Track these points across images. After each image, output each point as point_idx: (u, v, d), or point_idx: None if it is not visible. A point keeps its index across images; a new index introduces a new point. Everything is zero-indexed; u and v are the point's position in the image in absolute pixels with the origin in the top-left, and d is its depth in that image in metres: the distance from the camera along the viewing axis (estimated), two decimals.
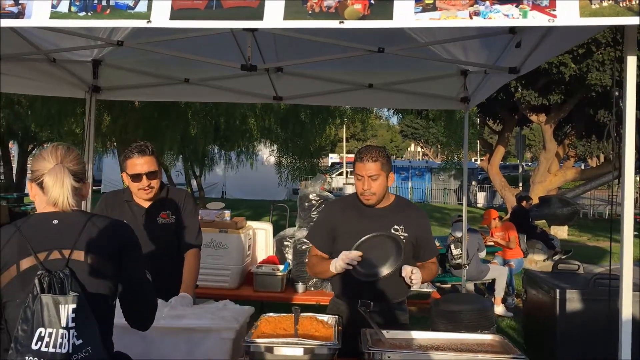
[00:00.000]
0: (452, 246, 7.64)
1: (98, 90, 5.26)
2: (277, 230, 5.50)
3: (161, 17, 2.13)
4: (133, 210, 3.35)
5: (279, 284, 4.62)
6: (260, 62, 4.43)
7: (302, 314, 2.78)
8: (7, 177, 19.75)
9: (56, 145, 2.12)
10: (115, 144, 11.14)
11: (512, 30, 3.63)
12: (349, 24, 2.09)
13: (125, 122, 8.95)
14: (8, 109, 11.08)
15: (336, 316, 2.81)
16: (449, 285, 8.40)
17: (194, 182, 17.80)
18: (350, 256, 2.83)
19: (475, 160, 41.13)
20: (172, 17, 2.13)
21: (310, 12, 2.10)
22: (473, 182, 28.36)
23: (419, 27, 4.04)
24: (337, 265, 2.88)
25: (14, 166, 20.32)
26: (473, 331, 2.69)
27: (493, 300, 7.59)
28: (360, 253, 2.84)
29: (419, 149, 62.37)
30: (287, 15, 2.10)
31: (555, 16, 2.05)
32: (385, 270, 2.87)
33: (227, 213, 4.84)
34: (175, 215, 3.37)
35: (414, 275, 2.84)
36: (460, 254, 6.59)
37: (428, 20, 2.09)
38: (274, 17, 2.10)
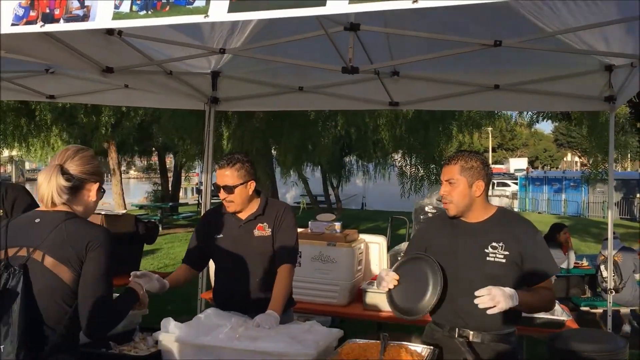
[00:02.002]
0: (602, 267, 6.75)
1: (217, 101, 5.33)
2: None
3: (219, 11, 1.96)
4: (231, 223, 3.25)
5: None
6: (368, 65, 4.16)
7: (391, 342, 2.46)
8: (164, 188, 21.37)
9: (68, 147, 2.22)
10: None
11: None
12: (424, 3, 1.75)
13: (242, 132, 9.19)
14: (156, 124, 11.97)
15: (430, 347, 2.45)
16: (599, 311, 7.43)
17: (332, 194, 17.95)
18: (385, 277, 2.53)
19: None
20: (231, 10, 1.95)
21: None
22: (638, 195, 25.58)
23: (543, 12, 3.57)
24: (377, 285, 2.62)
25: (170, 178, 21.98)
26: None
27: None
28: (396, 276, 2.50)
29: (577, 158, 58.01)
30: None
31: None
32: (419, 309, 2.51)
33: (338, 225, 4.61)
34: (271, 228, 3.22)
35: (483, 297, 2.35)
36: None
37: None
38: (339, 2, 1.83)
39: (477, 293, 2.36)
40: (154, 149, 20.21)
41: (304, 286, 4.35)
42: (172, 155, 21.82)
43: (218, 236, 3.25)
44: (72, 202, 2.16)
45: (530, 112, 12.26)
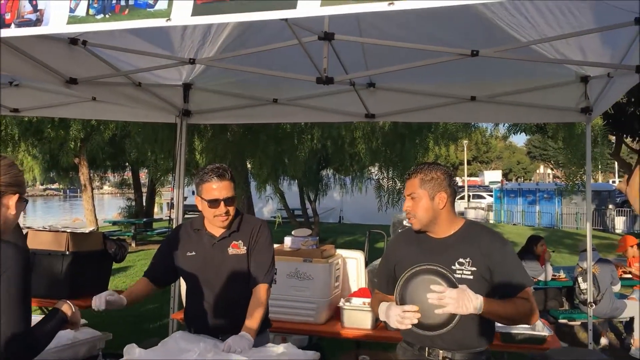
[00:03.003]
0: (580, 279, 6.72)
1: (188, 114, 5.19)
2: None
3: (182, 14, 1.83)
4: (203, 240, 3.07)
5: (369, 320, 4.15)
6: (343, 75, 4.07)
7: None
8: (138, 204, 20.98)
9: None
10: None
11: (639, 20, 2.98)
12: (401, 4, 1.65)
13: (215, 145, 9.05)
14: (128, 138, 11.73)
15: None
16: (577, 323, 7.40)
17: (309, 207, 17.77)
18: (405, 315, 2.36)
19: (613, 182, 37.98)
20: (195, 13, 1.82)
21: None
22: (610, 206, 25.97)
23: (519, 23, 3.52)
24: (391, 323, 2.43)
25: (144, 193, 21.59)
26: None
27: (632, 341, 6.54)
28: (416, 308, 2.35)
29: (549, 170, 58.84)
30: (327, 1, 1.71)
31: None
32: (448, 318, 2.35)
33: (314, 241, 4.48)
34: (246, 246, 3.06)
35: (433, 294, 2.29)
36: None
37: None
38: (309, 4, 1.72)
39: (432, 287, 2.31)
40: (127, 163, 19.85)
41: (280, 304, 4.19)
42: (146, 170, 21.46)
43: (189, 254, 3.08)
44: None
45: (505, 124, 12.33)
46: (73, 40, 3.70)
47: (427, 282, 2.39)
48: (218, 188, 2.95)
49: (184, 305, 3.35)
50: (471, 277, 2.43)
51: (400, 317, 2.37)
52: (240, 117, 5.54)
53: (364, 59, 4.42)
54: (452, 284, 2.35)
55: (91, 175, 16.58)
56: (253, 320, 2.85)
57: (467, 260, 2.45)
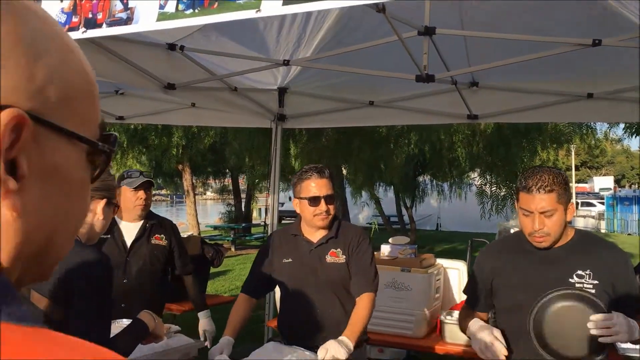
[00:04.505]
0: None
1: (283, 118, 5.13)
2: None
3: (272, 5, 1.70)
4: (300, 246, 2.95)
5: None
6: (444, 73, 3.82)
7: None
8: (237, 209, 21.54)
9: None
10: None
11: None
12: None
13: (310, 150, 8.98)
14: (227, 145, 12.01)
15: None
16: None
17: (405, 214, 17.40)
18: (492, 347, 2.16)
19: None
20: (286, 2, 1.69)
21: None
22: None
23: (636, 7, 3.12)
24: (472, 345, 2.24)
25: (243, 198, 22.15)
26: None
27: None
28: (505, 352, 2.13)
29: None
30: None
31: None
32: (598, 348, 2.07)
33: (413, 249, 4.24)
34: (345, 254, 2.90)
35: (600, 322, 2.00)
36: None
37: None
38: None
39: (593, 318, 2.02)
40: (227, 170, 20.44)
41: (376, 315, 3.92)
42: (245, 176, 21.97)
43: (286, 260, 2.96)
44: None
45: (622, 125, 11.30)
46: (171, 46, 3.72)
47: (573, 311, 2.12)
48: (317, 185, 2.83)
49: (278, 312, 3.25)
50: (593, 291, 2.16)
51: (484, 346, 2.17)
52: (336, 120, 5.41)
53: (467, 55, 4.14)
54: (600, 309, 2.08)
55: (194, 181, 17.19)
56: (355, 326, 2.67)
57: (587, 272, 2.18)
